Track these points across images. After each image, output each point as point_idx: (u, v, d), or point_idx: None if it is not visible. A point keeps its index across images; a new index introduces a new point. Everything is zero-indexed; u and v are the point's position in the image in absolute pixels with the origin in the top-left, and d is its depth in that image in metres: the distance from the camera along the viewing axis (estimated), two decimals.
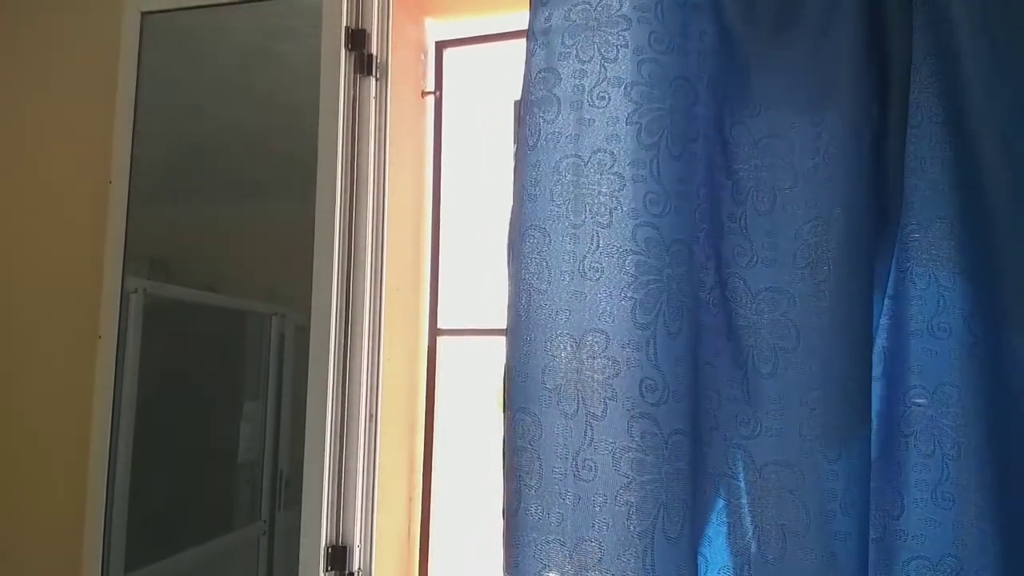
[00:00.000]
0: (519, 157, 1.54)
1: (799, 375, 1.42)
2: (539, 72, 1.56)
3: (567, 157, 1.51)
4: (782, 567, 1.37)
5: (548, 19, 1.57)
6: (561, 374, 1.45)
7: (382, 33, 1.85)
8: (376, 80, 1.82)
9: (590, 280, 1.46)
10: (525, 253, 1.50)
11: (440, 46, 2.45)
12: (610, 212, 1.47)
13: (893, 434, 1.44)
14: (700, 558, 1.44)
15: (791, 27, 1.51)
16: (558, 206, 1.50)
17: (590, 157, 1.50)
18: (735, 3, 1.53)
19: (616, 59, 1.51)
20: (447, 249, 2.40)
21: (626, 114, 1.50)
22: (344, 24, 1.79)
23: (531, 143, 1.53)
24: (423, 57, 2.41)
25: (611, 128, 1.50)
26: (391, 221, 1.83)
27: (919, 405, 1.43)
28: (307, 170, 1.76)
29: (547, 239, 1.49)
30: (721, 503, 1.43)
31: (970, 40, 1.41)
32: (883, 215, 1.45)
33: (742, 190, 1.47)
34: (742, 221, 1.46)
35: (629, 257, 1.45)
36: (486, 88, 2.48)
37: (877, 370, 1.46)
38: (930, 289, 1.44)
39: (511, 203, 1.53)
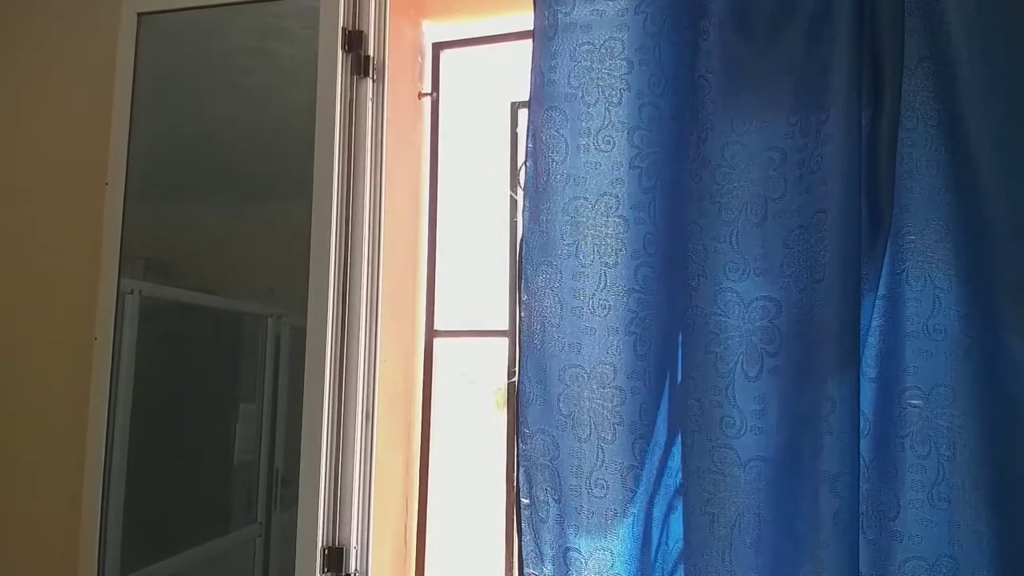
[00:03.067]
0: (530, 193, 1.65)
1: (783, 377, 1.48)
2: (547, 110, 1.64)
3: (576, 199, 1.61)
4: (758, 549, 1.46)
5: (554, 56, 1.65)
6: (575, 402, 1.58)
7: (379, 34, 1.85)
8: (373, 81, 1.82)
9: (598, 317, 1.58)
10: (540, 287, 1.62)
11: (437, 47, 2.45)
12: (616, 253, 1.59)
13: (889, 435, 1.46)
14: (685, 545, 1.52)
15: (784, 39, 1.54)
16: (568, 245, 1.61)
17: (596, 200, 1.60)
18: (729, 28, 1.57)
19: (620, 103, 1.61)
20: (443, 250, 2.40)
21: (629, 159, 1.59)
22: (341, 25, 1.79)
23: (542, 181, 1.64)
24: (420, 58, 2.41)
25: (616, 172, 1.60)
26: (388, 222, 1.83)
27: (915, 406, 1.44)
28: (304, 171, 1.75)
29: (559, 276, 1.61)
30: (705, 495, 1.50)
31: (965, 44, 1.42)
32: (875, 217, 1.46)
33: (734, 207, 1.52)
34: (733, 239, 1.52)
35: (632, 295, 1.57)
36: (483, 89, 2.49)
37: (873, 372, 1.47)
38: (926, 291, 1.45)
39: (522, 233, 1.64)
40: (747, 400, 1.48)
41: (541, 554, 1.58)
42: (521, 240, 1.64)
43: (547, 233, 1.62)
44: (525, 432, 1.60)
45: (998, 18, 1.44)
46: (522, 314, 1.63)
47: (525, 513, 1.59)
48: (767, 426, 1.47)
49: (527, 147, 1.66)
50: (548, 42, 1.65)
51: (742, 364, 1.49)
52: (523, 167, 1.67)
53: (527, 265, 1.63)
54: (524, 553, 1.59)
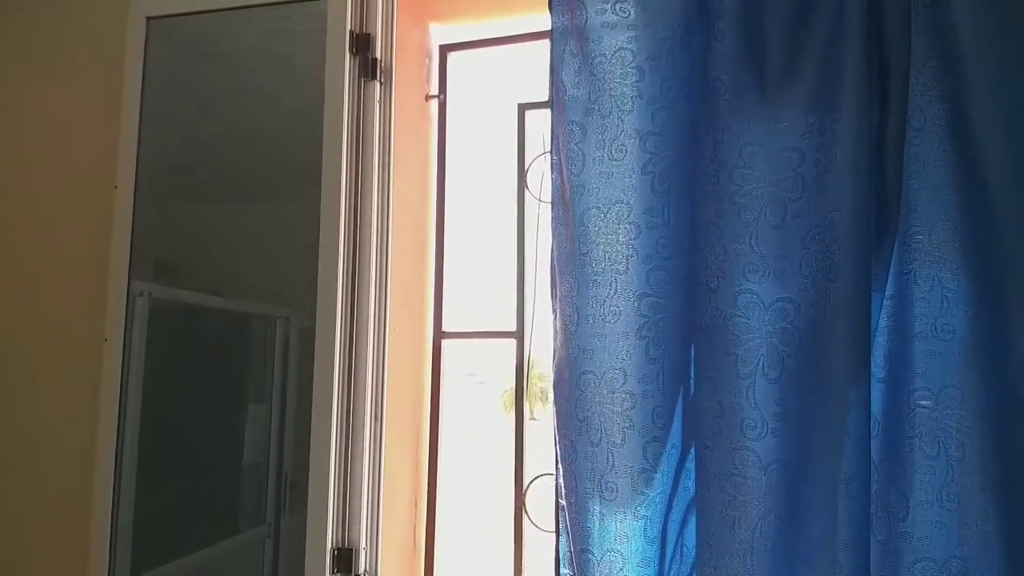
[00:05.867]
0: (556, 204, 1.69)
1: (800, 379, 1.47)
2: (568, 124, 1.66)
3: (589, 209, 1.63)
4: (778, 552, 1.46)
5: (578, 72, 1.67)
6: (587, 406, 1.59)
7: (386, 37, 1.85)
8: (380, 84, 1.83)
9: (609, 323, 1.59)
10: (563, 295, 1.65)
11: (444, 50, 2.46)
12: (626, 259, 1.59)
13: (897, 436, 1.46)
14: (705, 547, 1.52)
15: (799, 39, 1.54)
16: (582, 254, 1.62)
17: (608, 209, 1.62)
18: (744, 29, 1.57)
19: (632, 110, 1.62)
20: (451, 251, 2.41)
21: (641, 164, 1.60)
22: (348, 28, 1.79)
23: (567, 194, 1.67)
24: (427, 61, 2.41)
25: (628, 179, 1.61)
26: (395, 224, 1.83)
27: (923, 407, 1.44)
28: (312, 173, 1.76)
29: (576, 284, 1.63)
30: (727, 498, 1.50)
31: (973, 43, 1.42)
32: (883, 217, 1.46)
33: (754, 208, 1.53)
34: (752, 240, 1.52)
35: (644, 300, 1.58)
36: (490, 91, 2.49)
37: (881, 372, 1.47)
38: (934, 291, 1.45)
39: (551, 244, 1.69)
40: (767, 402, 1.48)
41: (565, 555, 1.61)
42: (551, 250, 1.68)
43: (569, 243, 1.65)
44: (555, 436, 1.64)
45: (1005, 17, 1.43)
46: (553, 322, 1.67)
47: (561, 515, 1.63)
48: (786, 428, 1.47)
49: (552, 159, 1.69)
50: (566, 54, 1.67)
51: (763, 366, 1.49)
52: (551, 179, 1.71)
53: (555, 274, 1.67)
54: (560, 553, 1.63)
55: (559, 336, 1.65)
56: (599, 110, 1.64)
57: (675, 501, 1.57)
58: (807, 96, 1.51)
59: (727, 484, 1.49)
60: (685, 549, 1.57)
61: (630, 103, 1.62)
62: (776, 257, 1.51)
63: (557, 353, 1.66)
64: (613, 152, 1.62)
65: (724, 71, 1.57)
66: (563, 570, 1.61)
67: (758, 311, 1.51)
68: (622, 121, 1.62)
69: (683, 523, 1.57)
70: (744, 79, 1.56)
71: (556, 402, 1.65)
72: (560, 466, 1.63)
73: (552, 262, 1.67)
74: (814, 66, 1.51)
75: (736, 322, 1.51)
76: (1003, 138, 1.39)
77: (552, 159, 1.69)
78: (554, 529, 1.66)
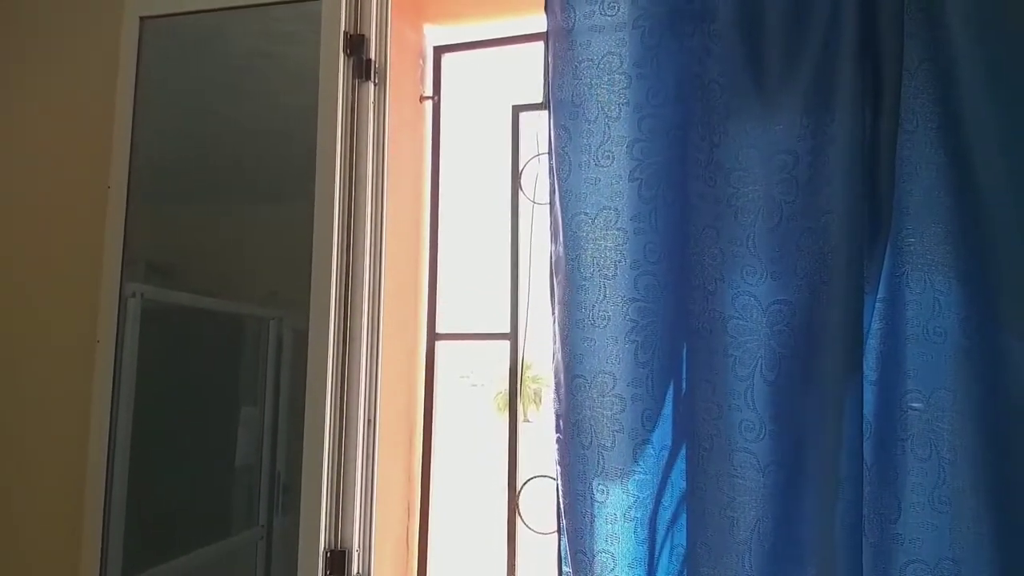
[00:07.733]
0: (552, 208, 1.70)
1: (797, 381, 1.47)
2: (558, 128, 1.67)
3: (577, 215, 1.64)
4: (775, 553, 1.46)
5: (563, 74, 1.68)
6: (578, 410, 1.61)
7: (381, 38, 1.85)
8: (375, 85, 1.83)
9: (598, 328, 1.60)
10: (557, 300, 1.66)
11: (438, 51, 2.46)
12: (615, 265, 1.60)
13: (889, 438, 1.46)
14: (702, 547, 1.52)
15: (795, 41, 1.54)
16: (572, 260, 1.64)
17: (596, 215, 1.63)
18: (740, 32, 1.57)
19: (619, 117, 1.62)
20: (445, 253, 2.41)
21: (628, 171, 1.61)
22: (343, 29, 1.79)
23: (550, 199, 1.69)
24: (421, 62, 2.41)
25: (616, 185, 1.62)
26: (389, 225, 1.83)
27: (915, 409, 1.44)
28: (306, 174, 1.76)
29: (568, 290, 1.64)
30: (725, 499, 1.50)
31: (966, 46, 1.43)
32: (875, 219, 1.47)
33: (751, 211, 1.53)
34: (749, 242, 1.52)
35: (632, 305, 1.58)
36: (484, 93, 2.49)
37: (873, 375, 1.48)
38: (926, 294, 1.46)
39: (549, 247, 1.70)
40: (765, 404, 1.49)
41: (564, 554, 1.62)
42: (549, 253, 1.70)
43: (562, 248, 1.66)
44: (553, 439, 1.66)
45: (997, 20, 1.44)
46: (552, 324, 1.68)
47: (560, 514, 1.65)
48: (783, 430, 1.48)
49: (549, 164, 1.70)
50: (556, 57, 1.68)
51: (761, 368, 1.49)
52: (548, 182, 1.72)
53: (551, 279, 1.68)
54: (561, 552, 1.64)
55: (556, 340, 1.66)
56: (585, 115, 1.64)
57: (664, 499, 1.58)
58: (802, 97, 1.52)
59: (725, 485, 1.49)
60: (675, 545, 1.57)
61: (616, 110, 1.62)
62: (773, 259, 1.51)
63: (555, 357, 1.66)
64: (600, 159, 1.63)
65: (721, 73, 1.57)
66: (564, 567, 1.63)
67: (756, 313, 1.51)
68: (608, 128, 1.63)
69: (673, 520, 1.58)
70: (741, 80, 1.56)
71: (553, 405, 1.66)
72: (557, 468, 1.64)
73: (549, 265, 1.68)
74: (809, 66, 1.52)
75: (734, 324, 1.52)
76: (995, 141, 1.40)
77: (549, 162, 1.70)
78: (555, 528, 1.67)
